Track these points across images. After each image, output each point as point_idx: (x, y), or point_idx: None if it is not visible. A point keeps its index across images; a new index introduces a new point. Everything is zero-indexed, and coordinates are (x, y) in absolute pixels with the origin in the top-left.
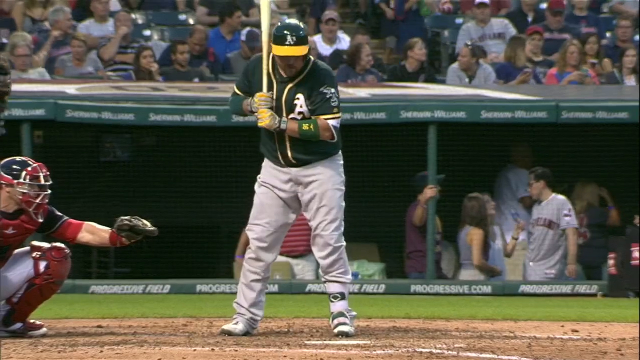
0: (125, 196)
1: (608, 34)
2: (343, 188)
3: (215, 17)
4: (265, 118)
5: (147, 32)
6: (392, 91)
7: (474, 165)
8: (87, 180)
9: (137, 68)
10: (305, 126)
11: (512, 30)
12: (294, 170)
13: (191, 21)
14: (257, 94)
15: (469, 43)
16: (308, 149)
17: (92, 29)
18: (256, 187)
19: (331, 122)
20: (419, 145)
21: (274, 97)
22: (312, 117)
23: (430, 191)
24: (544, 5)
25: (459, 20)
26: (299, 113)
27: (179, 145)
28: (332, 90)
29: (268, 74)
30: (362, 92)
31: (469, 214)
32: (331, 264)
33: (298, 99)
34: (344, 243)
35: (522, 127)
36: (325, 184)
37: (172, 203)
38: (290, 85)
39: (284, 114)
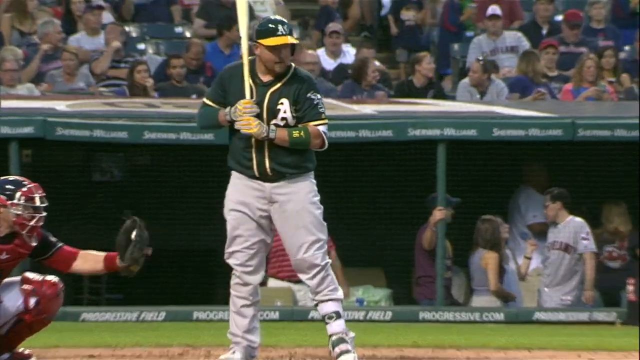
0: (118, 219)
1: (627, 48)
2: (321, 206)
3: (213, 30)
4: (253, 126)
5: (141, 46)
6: (400, 108)
7: (485, 186)
8: (78, 202)
9: (130, 83)
10: (295, 133)
11: (526, 44)
12: (267, 186)
13: (188, 34)
14: (242, 102)
15: (480, 58)
16: (287, 160)
17: (83, 42)
18: (225, 213)
19: (321, 129)
20: (428, 165)
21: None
22: (300, 125)
23: (439, 213)
24: (559, 18)
25: (469, 33)
26: (282, 119)
27: (174, 165)
28: (319, 96)
29: (248, 77)
30: (368, 109)
31: (482, 236)
32: (319, 282)
33: (282, 103)
34: (329, 260)
35: (536, 146)
36: (302, 202)
37: (167, 226)
38: (272, 90)
39: (265, 120)
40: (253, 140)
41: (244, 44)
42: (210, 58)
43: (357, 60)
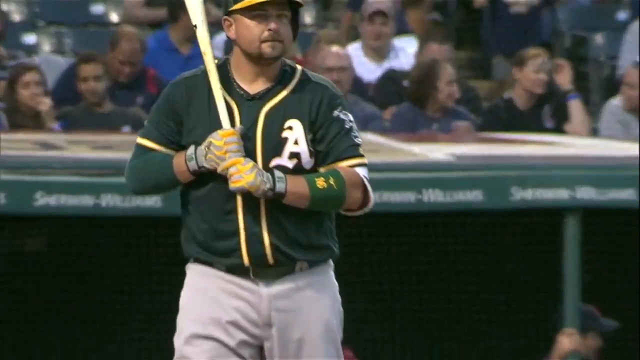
0: None
1: None
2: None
3: (161, 9)
4: (244, 174)
5: (29, 38)
6: (494, 149)
7: None
8: None
9: (11, 106)
10: (321, 182)
11: None
12: (264, 291)
13: (114, 18)
14: (218, 133)
15: None
16: (300, 235)
17: None
18: (179, 343)
19: (361, 172)
20: (548, 251)
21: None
22: (323, 167)
23: (568, 341)
24: None
25: (622, 15)
26: (293, 156)
27: (90, 252)
28: (350, 116)
29: (221, 92)
30: (440, 152)
31: None
32: None
33: (289, 128)
34: None
35: None
36: (324, 322)
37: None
38: (269, 106)
39: (261, 161)
40: (238, 199)
41: (201, 32)
42: (154, 61)
43: (420, 65)
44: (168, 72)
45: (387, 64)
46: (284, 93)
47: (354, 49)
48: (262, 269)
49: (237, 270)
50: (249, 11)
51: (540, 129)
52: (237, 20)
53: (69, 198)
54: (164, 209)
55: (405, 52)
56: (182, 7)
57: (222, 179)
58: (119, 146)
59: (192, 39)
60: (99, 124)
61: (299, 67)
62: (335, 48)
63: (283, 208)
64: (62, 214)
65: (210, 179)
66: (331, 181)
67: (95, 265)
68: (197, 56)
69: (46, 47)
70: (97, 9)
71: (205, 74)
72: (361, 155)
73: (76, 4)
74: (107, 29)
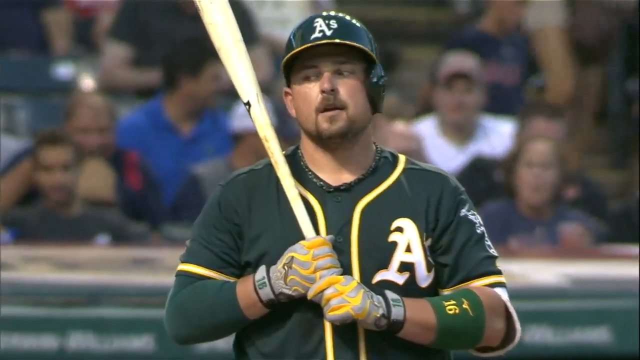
0: None
1: None
2: None
3: (151, 71)
4: (350, 297)
5: None
6: (625, 269)
7: None
8: None
9: None
10: (451, 307)
11: None
12: None
13: (86, 84)
14: (303, 244)
15: None
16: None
17: None
18: None
19: (502, 293)
20: None
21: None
22: (448, 286)
23: None
24: None
25: None
26: (404, 268)
27: None
28: (479, 217)
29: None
30: (549, 273)
31: None
32: None
33: (399, 230)
34: None
35: None
36: None
37: None
38: (367, 200)
39: (357, 275)
40: (327, 336)
41: (258, 111)
42: (142, 142)
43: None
44: (160, 158)
45: (473, 148)
46: (385, 184)
47: (427, 126)
48: None
49: None
50: (298, 72)
51: None
52: (294, 90)
53: (23, 338)
54: (158, 354)
55: (498, 130)
56: (183, 70)
57: (303, 306)
58: (91, 265)
59: (195, 114)
60: (64, 233)
61: (400, 154)
62: (399, 125)
63: (391, 347)
64: None
65: (285, 308)
66: (465, 305)
67: None
68: (203, 138)
69: None
70: (63, 71)
71: (268, 167)
72: (499, 273)
73: (34, 65)
74: (66, 92)
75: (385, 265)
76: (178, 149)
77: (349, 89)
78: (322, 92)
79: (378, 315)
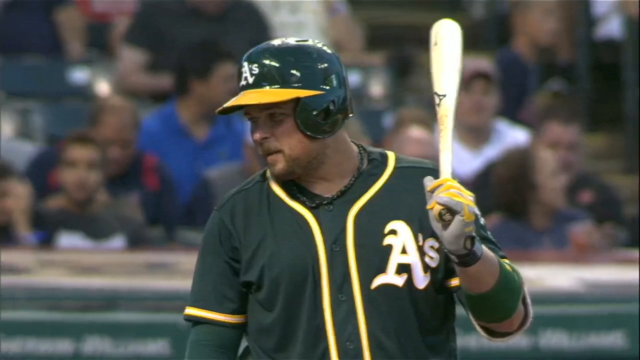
0: None
1: None
2: None
3: (166, 75)
4: (470, 203)
5: None
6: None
7: None
8: None
9: None
10: (506, 265)
11: None
12: None
13: (101, 89)
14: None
15: None
16: (405, 328)
17: None
18: None
19: None
20: None
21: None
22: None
23: None
24: None
25: None
26: (402, 269)
27: None
28: (477, 210)
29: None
30: (565, 277)
31: None
32: None
33: (393, 232)
34: None
35: None
36: None
37: None
38: (358, 206)
39: (356, 280)
40: (331, 335)
41: (449, 103)
42: (156, 146)
43: (511, 155)
44: (175, 162)
45: (488, 152)
46: (375, 188)
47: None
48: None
49: None
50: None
51: None
52: None
53: (39, 343)
54: (173, 358)
55: (512, 134)
56: (195, 74)
57: (308, 317)
58: (107, 269)
59: (209, 118)
60: (83, 230)
61: (390, 153)
62: (416, 130)
63: (396, 357)
64: None
65: (288, 318)
66: (511, 268)
67: None
68: (217, 143)
69: (6, 128)
70: (78, 76)
71: (259, 184)
72: (506, 258)
73: (49, 70)
74: (84, 97)
75: (383, 269)
76: (192, 153)
77: (280, 133)
78: (260, 145)
79: (472, 231)
